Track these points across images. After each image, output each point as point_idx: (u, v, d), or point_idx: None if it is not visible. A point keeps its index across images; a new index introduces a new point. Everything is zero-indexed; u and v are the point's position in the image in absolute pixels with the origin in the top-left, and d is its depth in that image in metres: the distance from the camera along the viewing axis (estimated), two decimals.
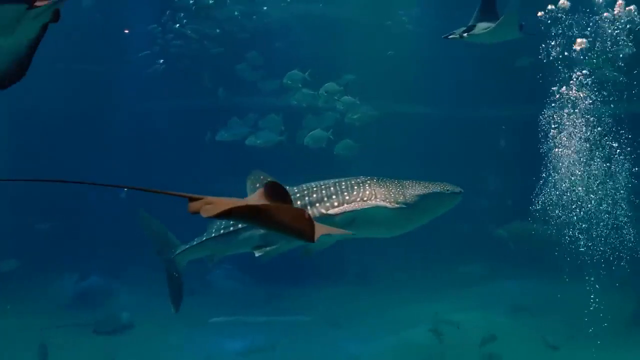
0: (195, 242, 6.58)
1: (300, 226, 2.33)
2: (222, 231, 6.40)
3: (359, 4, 15.85)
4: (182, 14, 15.41)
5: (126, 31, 16.29)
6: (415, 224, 6.45)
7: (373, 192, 6.19)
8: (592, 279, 8.96)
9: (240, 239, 6.29)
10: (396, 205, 6.12)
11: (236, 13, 15.69)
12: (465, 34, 7.71)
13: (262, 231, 6.05)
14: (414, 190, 6.20)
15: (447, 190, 6.25)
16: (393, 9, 16.16)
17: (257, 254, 6.04)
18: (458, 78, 15.29)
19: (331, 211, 6.11)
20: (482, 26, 7.72)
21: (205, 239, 6.47)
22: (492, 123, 15.73)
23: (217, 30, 15.41)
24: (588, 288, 8.88)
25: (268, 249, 6.02)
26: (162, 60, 15.66)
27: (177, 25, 15.32)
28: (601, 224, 8.79)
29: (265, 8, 15.94)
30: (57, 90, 14.76)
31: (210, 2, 15.16)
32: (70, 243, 13.60)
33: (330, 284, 13.34)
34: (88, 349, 10.35)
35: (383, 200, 6.13)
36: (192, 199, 2.41)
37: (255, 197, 2.54)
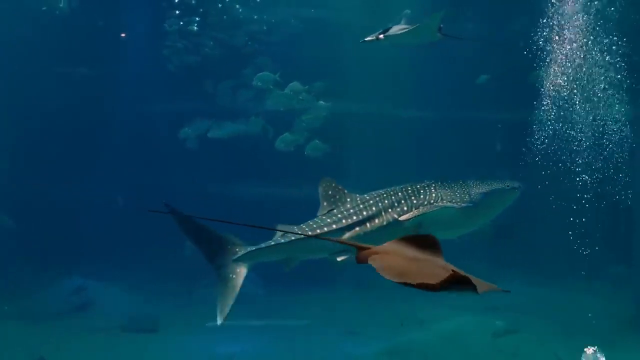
0: (282, 241, 6.23)
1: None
2: (309, 233, 6.24)
3: (358, 7, 15.92)
4: (196, 18, 15.43)
5: (123, 35, 16.32)
6: (480, 222, 6.72)
7: (439, 195, 6.46)
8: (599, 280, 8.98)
9: (324, 243, 6.20)
10: (462, 205, 6.37)
11: (259, 19, 15.79)
12: (381, 36, 7.81)
13: (344, 237, 6.25)
14: (477, 189, 6.50)
15: (508, 186, 6.53)
16: (392, 12, 16.22)
17: (338, 259, 6.13)
18: (452, 80, 15.41)
19: (402, 217, 6.34)
20: (398, 28, 7.83)
21: (295, 239, 6.20)
22: (485, 125, 15.84)
23: (233, 38, 15.51)
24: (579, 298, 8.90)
25: (347, 255, 6.08)
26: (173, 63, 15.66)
27: (195, 27, 15.34)
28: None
29: (265, 17, 16.02)
30: (56, 93, 14.81)
31: (240, 10, 15.23)
32: (64, 244, 13.59)
33: (328, 288, 13.35)
34: (84, 353, 10.32)
35: (449, 202, 6.39)
36: (360, 248, 2.67)
37: (403, 246, 2.70)
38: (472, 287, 2.49)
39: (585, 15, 8.61)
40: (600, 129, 8.79)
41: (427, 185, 6.60)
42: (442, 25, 7.89)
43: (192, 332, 11.16)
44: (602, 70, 8.79)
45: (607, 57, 8.70)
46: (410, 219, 6.31)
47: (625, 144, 9.10)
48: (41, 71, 14.95)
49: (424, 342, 10.45)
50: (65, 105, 14.99)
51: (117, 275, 13.45)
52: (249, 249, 6.26)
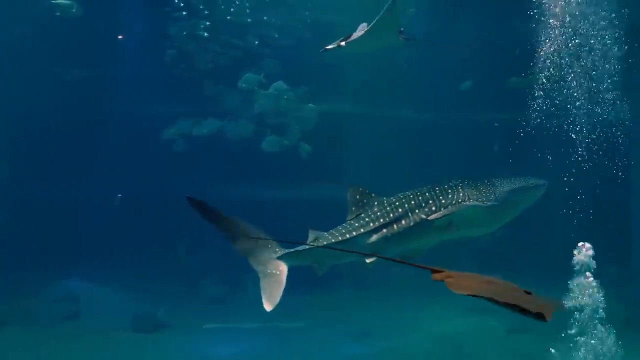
0: (316, 245, 6.42)
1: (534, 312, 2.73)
2: (340, 238, 6.51)
3: (363, 10, 15.93)
4: (206, 22, 15.43)
5: (120, 37, 16.33)
6: (507, 219, 6.91)
7: (466, 194, 6.66)
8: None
9: (353, 247, 6.47)
10: (488, 203, 6.58)
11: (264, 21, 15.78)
12: (342, 43, 7.85)
13: (372, 240, 6.47)
14: (502, 187, 6.72)
15: (532, 183, 6.74)
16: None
17: (368, 261, 6.30)
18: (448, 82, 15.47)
19: (432, 216, 6.53)
20: (358, 33, 7.87)
21: (323, 245, 6.41)
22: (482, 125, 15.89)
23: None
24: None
25: (376, 257, 6.22)
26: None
27: (204, 31, 15.34)
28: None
29: (268, 18, 16.00)
30: (56, 94, 14.84)
31: (249, 20, 15.28)
32: (62, 245, 13.61)
33: (326, 290, 13.35)
34: (83, 354, 10.33)
35: (476, 200, 6.57)
36: (434, 271, 2.97)
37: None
38: (541, 318, 2.71)
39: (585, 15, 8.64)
40: (598, 130, 8.82)
41: (454, 185, 6.78)
42: (402, 29, 7.95)
43: (192, 333, 11.19)
44: (601, 70, 8.82)
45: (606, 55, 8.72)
46: (440, 218, 6.49)
47: (622, 146, 9.12)
48: (41, 72, 14.98)
49: (422, 344, 10.47)
50: (64, 106, 15.02)
51: (116, 276, 13.47)
52: (286, 251, 6.47)
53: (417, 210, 6.59)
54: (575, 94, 8.62)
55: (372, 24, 7.77)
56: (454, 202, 6.60)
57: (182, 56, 15.54)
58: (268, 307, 6.37)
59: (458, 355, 10.09)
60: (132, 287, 13.26)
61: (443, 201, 6.61)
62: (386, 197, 6.78)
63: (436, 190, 6.74)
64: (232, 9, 15.27)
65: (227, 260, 12.41)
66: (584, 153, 8.69)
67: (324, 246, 6.34)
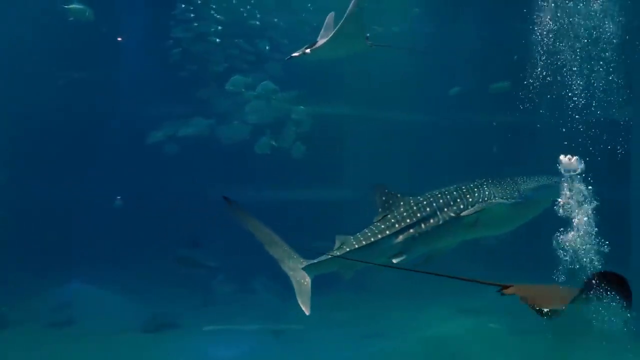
0: (338, 253, 6.55)
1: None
2: (363, 242, 6.66)
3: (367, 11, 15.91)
4: (219, 27, 15.42)
5: (119, 39, 16.35)
6: (530, 216, 7.10)
7: (492, 192, 6.79)
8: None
9: (380, 249, 6.65)
10: (513, 200, 6.77)
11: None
12: (308, 50, 7.88)
13: (399, 240, 6.63)
14: (526, 185, 6.91)
15: (555, 181, 6.80)
16: (400, 13, 16.27)
17: (395, 261, 6.55)
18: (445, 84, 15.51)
19: (464, 213, 6.72)
20: (323, 40, 7.89)
21: (349, 250, 6.55)
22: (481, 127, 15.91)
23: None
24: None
25: (404, 256, 6.51)
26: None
27: (214, 36, 15.35)
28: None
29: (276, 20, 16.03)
30: (56, 96, 14.87)
31: (257, 23, 15.31)
32: (61, 247, 13.61)
33: (326, 292, 13.31)
34: (82, 355, 10.31)
35: (501, 198, 6.74)
36: (503, 287, 3.41)
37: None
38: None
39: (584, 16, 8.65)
40: (598, 130, 8.84)
41: (480, 184, 6.94)
42: (368, 35, 8.03)
43: (193, 334, 11.19)
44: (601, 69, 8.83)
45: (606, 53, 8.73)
46: (470, 214, 6.63)
47: (622, 145, 9.13)
48: (42, 73, 15.00)
49: (422, 345, 10.47)
50: (65, 106, 15.03)
51: (117, 277, 13.46)
52: (310, 262, 6.64)
53: (445, 209, 6.73)
54: (575, 94, 8.63)
55: (335, 30, 7.79)
56: (480, 200, 6.74)
57: (184, 58, 15.55)
58: (307, 311, 6.72)
59: (458, 356, 10.09)
60: (134, 289, 13.25)
61: (470, 199, 6.76)
62: (412, 197, 6.91)
63: (462, 189, 6.89)
64: (244, 14, 15.30)
65: (231, 260, 12.53)
66: (583, 152, 8.70)
67: (340, 256, 6.49)
